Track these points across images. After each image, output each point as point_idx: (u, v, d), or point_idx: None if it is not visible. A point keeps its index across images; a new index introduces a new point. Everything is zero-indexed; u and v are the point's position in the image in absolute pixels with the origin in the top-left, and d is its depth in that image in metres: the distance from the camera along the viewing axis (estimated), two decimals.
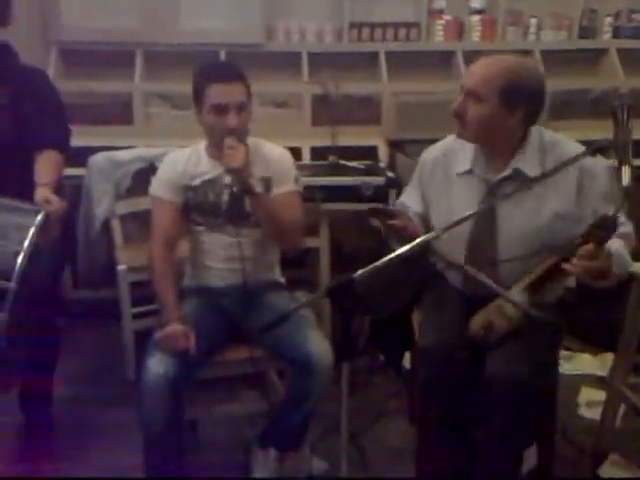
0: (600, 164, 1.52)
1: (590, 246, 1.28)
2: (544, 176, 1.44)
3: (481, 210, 1.49)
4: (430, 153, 1.73)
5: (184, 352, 1.60)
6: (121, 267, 2.32)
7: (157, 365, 1.58)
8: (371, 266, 1.19)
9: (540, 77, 1.55)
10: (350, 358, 1.24)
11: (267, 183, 1.80)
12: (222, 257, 1.81)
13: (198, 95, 1.71)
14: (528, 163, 1.54)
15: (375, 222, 1.51)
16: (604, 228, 1.27)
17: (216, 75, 1.71)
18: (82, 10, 2.84)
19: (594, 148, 1.36)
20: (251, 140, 1.82)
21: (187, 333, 1.63)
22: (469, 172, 1.61)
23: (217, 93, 1.67)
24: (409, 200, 1.77)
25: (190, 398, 1.78)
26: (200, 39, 2.90)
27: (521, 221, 1.53)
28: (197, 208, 1.81)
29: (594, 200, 1.50)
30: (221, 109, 1.68)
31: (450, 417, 1.64)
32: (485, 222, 1.57)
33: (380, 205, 1.51)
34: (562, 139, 1.59)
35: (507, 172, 1.55)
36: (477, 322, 1.57)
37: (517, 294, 1.51)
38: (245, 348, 1.77)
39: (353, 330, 1.21)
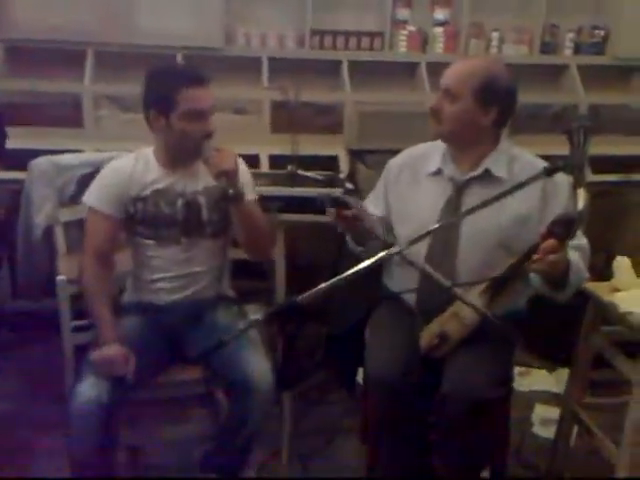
0: (561, 175, 1.51)
1: (552, 241, 1.28)
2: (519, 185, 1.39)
3: (446, 205, 1.53)
4: (397, 158, 1.75)
5: (121, 376, 1.49)
6: (60, 278, 2.18)
7: (89, 389, 1.46)
8: (316, 288, 1.11)
9: (513, 79, 1.60)
10: (293, 387, 1.15)
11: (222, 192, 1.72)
12: (171, 272, 1.71)
13: (164, 102, 1.58)
14: (498, 166, 1.57)
15: (331, 212, 1.47)
16: (565, 224, 1.27)
17: (190, 79, 1.60)
18: (33, 5, 2.70)
19: (550, 169, 1.31)
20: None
21: (126, 356, 1.52)
22: (438, 172, 1.63)
23: (194, 98, 1.57)
24: (370, 206, 1.71)
25: (131, 421, 1.67)
26: (156, 40, 2.78)
27: (484, 219, 1.50)
28: (146, 220, 1.69)
29: (558, 207, 1.50)
30: (197, 114, 1.58)
31: (403, 439, 1.59)
32: (448, 219, 1.57)
33: (337, 193, 1.46)
34: (527, 154, 1.65)
35: (478, 172, 1.58)
36: (431, 331, 1.54)
37: (475, 297, 1.49)
38: (190, 368, 1.68)
39: (298, 356, 1.13)
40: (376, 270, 1.70)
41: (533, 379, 2.56)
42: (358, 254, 1.65)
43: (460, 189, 1.60)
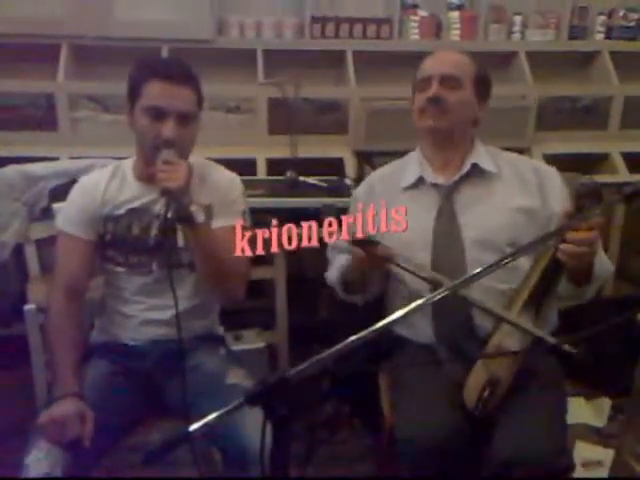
0: (550, 168, 1.52)
1: (582, 216, 1.18)
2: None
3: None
4: (362, 186, 1.62)
5: (79, 441, 1.21)
6: (29, 307, 1.90)
7: (39, 463, 1.19)
8: (312, 359, 0.83)
9: None
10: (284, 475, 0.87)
11: (208, 212, 1.43)
12: (144, 306, 1.45)
13: (132, 91, 1.36)
14: (484, 160, 1.48)
15: (357, 252, 1.29)
16: (591, 194, 1.19)
17: (158, 70, 1.35)
18: None
19: (629, 195, 1.05)
20: (197, 161, 1.45)
21: (82, 413, 1.24)
22: (417, 182, 1.50)
23: (156, 93, 1.33)
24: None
25: None
26: (138, 32, 2.49)
27: (483, 219, 1.43)
28: (117, 244, 1.45)
29: (555, 201, 1.42)
30: (157, 113, 1.33)
31: None
32: (446, 229, 1.44)
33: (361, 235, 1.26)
34: (496, 149, 1.56)
35: (465, 169, 1.47)
36: (476, 382, 1.29)
37: (517, 318, 1.29)
38: (170, 422, 1.41)
39: (289, 444, 0.85)
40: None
41: (570, 409, 2.26)
42: (354, 302, 1.49)
43: (449, 193, 1.47)
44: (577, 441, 2.09)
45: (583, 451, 2.05)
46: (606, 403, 2.20)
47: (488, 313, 1.31)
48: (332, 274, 1.52)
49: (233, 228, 1.42)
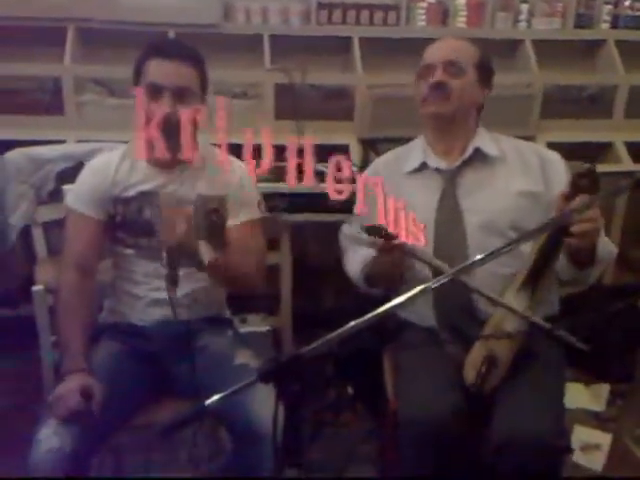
0: (553, 153, 1.53)
1: (584, 196, 1.19)
2: None
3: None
4: (370, 170, 1.62)
5: (86, 416, 1.23)
6: (37, 288, 1.92)
7: (50, 438, 1.21)
8: (324, 338, 0.85)
9: None
10: (299, 464, 0.89)
11: (221, 204, 1.44)
12: (152, 288, 1.47)
13: (136, 72, 1.39)
14: (487, 144, 1.49)
15: (375, 242, 1.29)
16: (586, 178, 1.20)
17: (157, 49, 1.37)
18: None
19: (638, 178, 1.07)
20: (204, 149, 1.46)
21: (89, 389, 1.26)
22: (421, 167, 1.52)
23: (153, 69, 1.35)
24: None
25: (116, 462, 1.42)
26: (145, 16, 2.48)
27: (486, 203, 1.44)
28: (126, 226, 1.46)
29: (559, 185, 1.41)
30: (156, 90, 1.34)
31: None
32: (449, 213, 1.45)
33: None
34: (498, 134, 1.56)
35: (468, 153, 1.48)
36: (474, 360, 1.33)
37: (512, 300, 1.31)
38: (180, 403, 1.42)
39: (303, 427, 0.87)
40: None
41: (569, 394, 2.29)
42: (374, 294, 1.50)
43: (452, 178, 1.48)
44: (575, 425, 2.12)
45: (581, 435, 2.09)
46: (604, 388, 2.23)
47: (486, 297, 1.32)
48: (353, 267, 1.52)
49: (252, 222, 1.48)
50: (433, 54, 1.49)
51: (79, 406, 1.23)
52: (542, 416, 1.26)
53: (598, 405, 2.18)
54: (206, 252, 1.28)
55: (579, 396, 2.29)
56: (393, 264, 1.34)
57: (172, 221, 1.27)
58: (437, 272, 1.30)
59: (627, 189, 1.13)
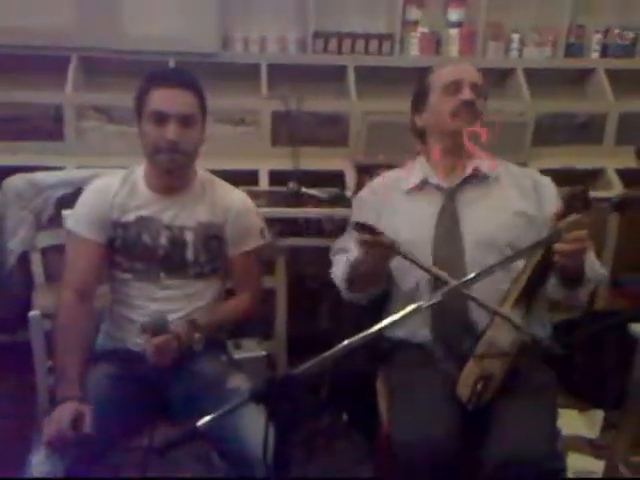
0: (545, 177, 1.58)
1: (575, 215, 1.22)
2: None
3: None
4: (366, 189, 1.65)
5: (78, 443, 1.24)
6: (33, 313, 1.94)
7: (42, 463, 1.23)
8: (317, 358, 0.87)
9: None
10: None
11: (217, 232, 1.51)
12: (149, 313, 1.48)
13: (138, 102, 1.43)
14: (484, 165, 1.53)
15: (365, 237, 1.29)
16: (578, 198, 1.24)
17: (160, 79, 1.43)
18: (10, 8, 2.45)
19: (618, 203, 1.10)
20: (203, 176, 1.53)
21: (81, 416, 1.27)
22: (422, 184, 1.54)
23: (158, 98, 1.39)
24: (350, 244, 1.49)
25: None
26: (146, 45, 2.54)
27: (484, 220, 1.48)
28: (125, 250, 1.49)
29: (550, 206, 1.45)
30: (159, 117, 1.38)
31: None
32: (448, 228, 1.48)
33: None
34: None
35: (468, 172, 1.52)
36: (469, 374, 1.33)
37: (508, 313, 1.33)
38: (172, 426, 1.43)
39: (293, 446, 0.88)
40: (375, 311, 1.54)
41: (562, 421, 2.28)
42: (357, 301, 1.51)
43: (451, 195, 1.52)
44: (569, 452, 2.12)
45: (576, 462, 2.08)
46: (598, 415, 2.22)
47: (482, 307, 1.34)
48: (338, 270, 1.53)
49: (254, 251, 1.54)
50: (459, 72, 1.52)
51: (71, 434, 1.24)
52: (538, 438, 1.27)
53: (592, 432, 2.17)
54: (197, 342, 1.44)
55: (573, 423, 2.29)
56: (375, 262, 1.35)
57: (159, 352, 1.36)
58: (436, 280, 1.34)
59: (607, 212, 1.16)
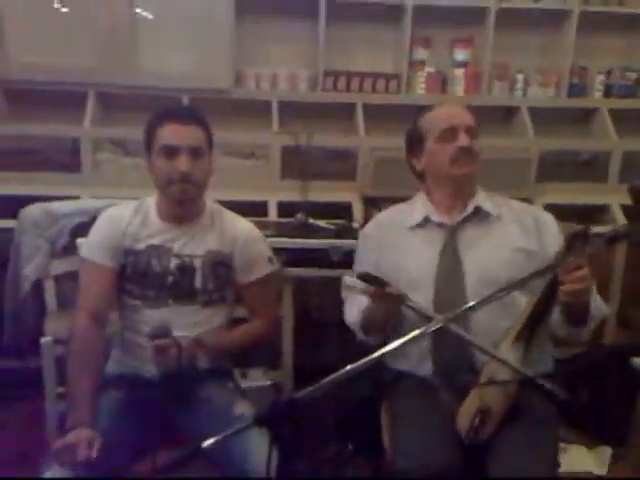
0: (547, 214, 1.60)
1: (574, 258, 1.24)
2: None
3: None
4: (371, 224, 1.68)
5: (88, 467, 1.26)
6: (45, 339, 1.98)
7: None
8: (320, 383, 0.89)
9: None
10: None
11: (225, 260, 1.55)
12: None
13: (148, 138, 1.49)
14: (486, 203, 1.56)
15: (372, 290, 1.33)
16: (580, 237, 1.25)
17: (169, 115, 1.49)
18: (32, 46, 2.57)
19: (612, 237, 1.13)
20: (212, 207, 1.58)
21: (90, 438, 1.30)
22: (424, 222, 1.56)
23: (168, 133, 1.45)
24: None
25: None
26: (161, 82, 2.64)
27: (485, 258, 1.49)
28: (135, 277, 1.53)
29: (552, 243, 1.47)
30: (170, 151, 1.44)
31: None
32: (450, 266, 1.50)
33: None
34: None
35: (470, 210, 1.54)
36: (469, 408, 1.34)
37: (506, 352, 1.34)
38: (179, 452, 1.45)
39: (294, 467, 0.90)
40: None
41: (572, 457, 2.26)
42: (374, 343, 1.50)
43: (453, 232, 1.53)
44: None
45: None
46: (607, 451, 2.21)
47: (480, 350, 1.35)
48: (352, 315, 1.55)
49: (264, 279, 1.58)
50: (454, 118, 1.53)
51: (83, 458, 1.26)
52: (537, 472, 1.27)
53: (601, 469, 2.15)
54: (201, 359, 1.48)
55: (582, 459, 2.27)
56: (386, 311, 1.38)
57: (164, 352, 1.39)
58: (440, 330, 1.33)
59: (601, 246, 1.19)
